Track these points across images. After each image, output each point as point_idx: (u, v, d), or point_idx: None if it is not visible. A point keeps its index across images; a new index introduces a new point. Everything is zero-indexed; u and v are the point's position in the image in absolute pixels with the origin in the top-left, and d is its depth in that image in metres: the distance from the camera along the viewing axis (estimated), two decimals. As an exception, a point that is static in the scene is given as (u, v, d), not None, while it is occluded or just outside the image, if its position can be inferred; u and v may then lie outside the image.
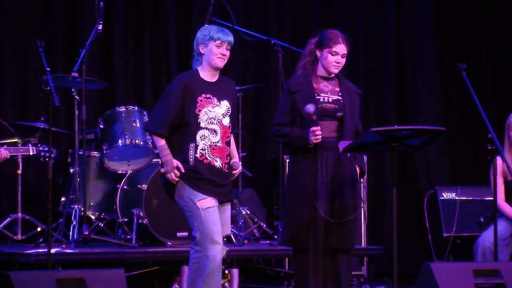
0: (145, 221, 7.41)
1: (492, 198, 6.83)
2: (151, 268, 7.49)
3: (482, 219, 8.00)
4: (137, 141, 7.70)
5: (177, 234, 7.48)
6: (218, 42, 5.87)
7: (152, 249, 7.39)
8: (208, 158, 5.83)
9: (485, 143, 6.89)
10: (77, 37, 8.70)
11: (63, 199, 7.91)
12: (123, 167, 7.85)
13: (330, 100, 6.04)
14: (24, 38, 8.66)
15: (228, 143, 5.93)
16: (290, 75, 9.20)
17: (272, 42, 7.93)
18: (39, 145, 7.41)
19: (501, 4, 9.99)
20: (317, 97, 6.02)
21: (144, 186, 7.47)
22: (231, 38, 5.93)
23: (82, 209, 7.59)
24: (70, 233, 7.51)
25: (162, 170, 5.81)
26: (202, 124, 5.81)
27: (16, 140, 7.50)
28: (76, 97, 7.68)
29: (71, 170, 7.80)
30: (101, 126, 7.84)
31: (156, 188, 7.48)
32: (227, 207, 5.99)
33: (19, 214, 7.69)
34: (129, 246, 7.41)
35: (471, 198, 8.36)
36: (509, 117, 7.25)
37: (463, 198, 8.42)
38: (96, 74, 8.34)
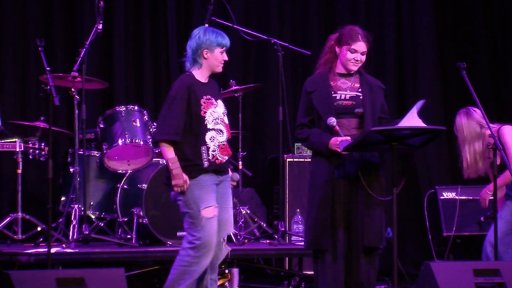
0: (145, 220, 7.41)
1: (492, 198, 6.82)
2: (151, 267, 7.48)
3: (482, 219, 8.01)
4: (137, 141, 7.70)
5: (177, 233, 7.48)
6: (223, 48, 5.88)
7: (152, 248, 7.39)
8: (219, 158, 5.83)
9: (485, 143, 6.90)
10: (77, 37, 8.70)
11: (63, 198, 7.91)
12: (123, 167, 7.86)
13: (348, 97, 5.97)
14: (24, 38, 8.67)
15: (229, 141, 5.95)
16: (290, 74, 9.27)
17: (272, 41, 7.93)
18: (29, 142, 7.39)
19: (501, 4, 9.99)
20: (333, 95, 5.96)
21: (144, 186, 7.47)
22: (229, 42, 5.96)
23: (82, 208, 7.59)
24: (70, 232, 7.50)
25: (174, 183, 5.72)
26: (209, 126, 5.80)
27: (16, 140, 7.51)
28: (76, 96, 7.68)
29: (71, 170, 7.80)
30: (101, 126, 7.85)
31: (156, 188, 7.48)
32: (228, 192, 5.96)
33: (19, 214, 7.68)
34: (129, 245, 7.41)
35: (471, 198, 8.36)
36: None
37: (463, 198, 8.42)
38: (96, 73, 8.33)
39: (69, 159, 7.96)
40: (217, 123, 5.84)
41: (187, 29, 9.18)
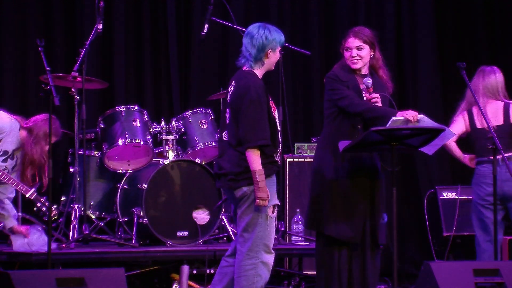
0: (145, 220, 7.41)
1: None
2: (151, 267, 7.48)
3: (482, 218, 7.98)
4: (137, 141, 7.70)
5: (177, 233, 7.48)
6: (281, 46, 5.72)
7: (152, 248, 7.39)
8: (277, 159, 5.68)
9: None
10: (77, 36, 8.71)
11: (63, 198, 7.92)
12: (123, 167, 7.86)
13: (364, 99, 6.07)
14: (24, 37, 8.67)
15: None
16: (290, 74, 9.25)
17: (272, 41, 7.91)
18: (42, 198, 7.03)
19: (501, 4, 10.00)
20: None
21: (144, 186, 7.47)
22: None
23: (82, 208, 7.59)
24: (70, 232, 7.51)
25: (259, 195, 5.48)
26: (278, 128, 5.65)
27: (33, 188, 7.29)
28: (76, 96, 7.68)
29: (71, 170, 7.80)
30: (101, 126, 7.85)
31: (156, 188, 7.48)
32: None
33: (20, 214, 7.68)
34: (129, 245, 7.41)
35: (471, 198, 8.35)
36: None
37: (463, 198, 8.42)
38: (96, 73, 8.34)
39: (69, 159, 7.96)
40: (279, 125, 5.69)
41: (187, 29, 9.19)
